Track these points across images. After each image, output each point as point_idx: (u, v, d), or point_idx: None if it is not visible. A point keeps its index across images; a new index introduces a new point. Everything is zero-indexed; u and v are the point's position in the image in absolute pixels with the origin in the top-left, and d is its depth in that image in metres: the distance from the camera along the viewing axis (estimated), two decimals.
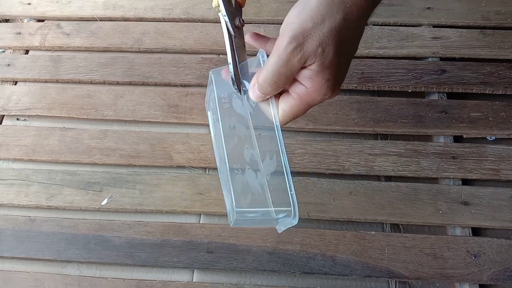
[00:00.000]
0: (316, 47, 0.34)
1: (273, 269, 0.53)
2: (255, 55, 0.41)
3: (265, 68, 0.36)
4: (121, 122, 0.65)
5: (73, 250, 0.55)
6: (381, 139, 0.63)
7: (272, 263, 0.53)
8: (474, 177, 0.59)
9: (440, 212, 0.56)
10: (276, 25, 0.72)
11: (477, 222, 0.55)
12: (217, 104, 0.41)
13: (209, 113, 0.47)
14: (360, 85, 0.65)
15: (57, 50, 0.73)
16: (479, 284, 0.53)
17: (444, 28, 0.71)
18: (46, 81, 0.69)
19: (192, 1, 0.75)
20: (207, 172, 0.60)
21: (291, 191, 0.37)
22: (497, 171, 0.59)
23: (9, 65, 0.70)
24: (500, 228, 0.56)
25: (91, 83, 0.69)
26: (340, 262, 0.53)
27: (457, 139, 0.62)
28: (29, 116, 0.66)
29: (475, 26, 0.71)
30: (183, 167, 0.60)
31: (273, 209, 0.39)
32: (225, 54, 0.40)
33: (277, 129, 0.38)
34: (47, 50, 0.73)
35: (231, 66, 0.39)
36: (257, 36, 0.42)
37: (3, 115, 0.66)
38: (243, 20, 0.39)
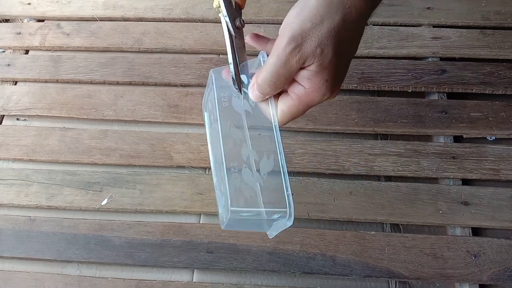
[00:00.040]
0: (315, 48, 0.34)
1: (273, 269, 0.53)
2: (256, 56, 0.41)
3: (264, 69, 0.36)
4: (121, 122, 0.65)
5: (73, 250, 0.55)
6: (381, 139, 0.63)
7: (272, 263, 0.53)
8: (474, 177, 0.59)
9: (440, 212, 0.56)
10: (276, 25, 0.72)
11: (477, 222, 0.55)
12: (216, 103, 0.41)
13: (205, 114, 0.47)
14: (360, 85, 0.65)
15: (57, 50, 0.73)
16: (479, 284, 0.53)
17: (444, 28, 0.71)
18: (46, 81, 0.69)
19: (192, 1, 0.75)
20: (207, 172, 0.60)
21: (287, 191, 0.37)
22: (497, 171, 0.59)
23: (9, 65, 0.70)
24: (500, 228, 0.56)
25: (91, 83, 0.69)
26: (340, 262, 0.53)
27: (457, 139, 0.62)
28: (29, 116, 0.66)
29: (475, 26, 0.71)
30: (183, 167, 0.60)
31: (268, 209, 0.38)
32: (225, 54, 0.40)
33: (275, 129, 0.38)
34: (47, 50, 0.73)
35: (231, 66, 0.39)
36: (257, 37, 0.42)
37: (3, 115, 0.67)
38: (243, 21, 0.40)
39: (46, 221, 0.57)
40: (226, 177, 0.38)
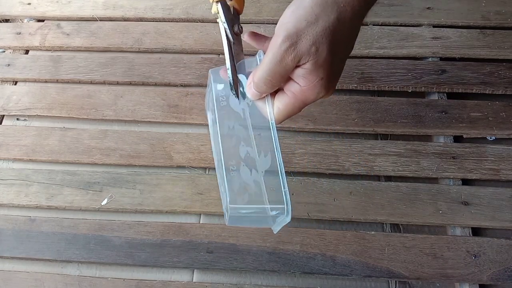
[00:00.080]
0: (310, 46, 0.34)
1: (273, 269, 0.53)
2: (254, 55, 0.41)
3: (260, 67, 0.36)
4: (121, 122, 0.65)
5: (73, 250, 0.55)
6: (381, 139, 0.63)
7: (272, 263, 0.53)
8: (474, 177, 0.59)
9: (440, 212, 0.56)
10: (276, 25, 0.72)
11: (477, 222, 0.55)
12: (214, 103, 0.42)
13: (208, 114, 0.47)
14: (360, 85, 0.65)
15: (57, 50, 0.73)
16: (479, 284, 0.53)
17: (444, 28, 0.71)
18: (46, 81, 0.69)
19: (192, 1, 0.75)
20: (207, 172, 0.60)
21: (284, 188, 0.38)
22: (497, 171, 0.59)
23: (9, 65, 0.70)
24: (500, 228, 0.56)
25: (91, 83, 0.69)
26: (340, 262, 0.53)
27: (457, 139, 0.62)
28: (29, 116, 0.66)
29: (475, 26, 0.71)
30: (183, 167, 0.60)
31: (267, 206, 0.39)
32: (223, 50, 0.40)
33: (272, 127, 0.39)
34: (47, 50, 0.73)
35: (229, 72, 0.40)
36: (255, 35, 0.42)
37: (3, 115, 0.66)
38: (241, 27, 0.40)
39: (46, 221, 0.57)
40: (224, 175, 0.39)
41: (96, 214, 0.58)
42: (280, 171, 0.38)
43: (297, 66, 0.35)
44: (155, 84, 0.68)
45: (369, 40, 0.70)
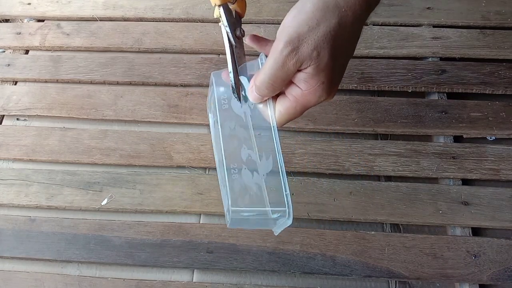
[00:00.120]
0: (311, 51, 0.34)
1: (273, 269, 0.53)
2: (256, 58, 0.41)
3: (262, 71, 0.37)
4: (121, 122, 0.65)
5: (73, 250, 0.55)
6: (381, 139, 0.63)
7: (272, 263, 0.53)
8: (474, 177, 0.59)
9: (440, 212, 0.56)
10: (276, 25, 0.72)
11: (477, 222, 0.55)
12: (216, 105, 0.42)
13: (210, 116, 0.48)
14: (360, 85, 0.65)
15: (57, 50, 0.73)
16: (479, 284, 0.53)
17: (444, 28, 0.71)
18: (46, 81, 0.69)
19: (192, 1, 0.75)
20: (207, 172, 0.60)
21: (286, 191, 0.38)
22: (497, 171, 0.59)
23: (9, 65, 0.70)
24: (500, 228, 0.56)
25: (91, 83, 0.69)
26: (340, 262, 0.53)
27: (457, 139, 0.62)
28: (29, 116, 0.66)
29: (475, 26, 0.71)
30: (183, 167, 0.60)
31: (268, 209, 0.39)
32: (225, 53, 0.40)
33: (273, 130, 0.39)
34: (47, 50, 0.73)
35: (231, 75, 0.40)
36: (257, 38, 0.42)
37: (3, 115, 0.66)
38: (243, 31, 0.40)
39: (46, 221, 0.57)
40: (226, 178, 0.39)
41: (96, 214, 0.58)
42: (282, 174, 0.39)
43: (298, 70, 0.36)
44: (155, 84, 0.68)
45: (369, 40, 0.70)
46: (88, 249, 0.55)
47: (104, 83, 0.69)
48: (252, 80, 0.39)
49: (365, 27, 0.71)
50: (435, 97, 0.65)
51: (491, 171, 0.59)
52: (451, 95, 0.66)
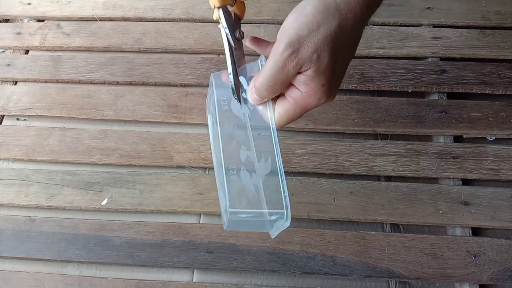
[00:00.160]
0: (311, 54, 0.34)
1: (273, 269, 0.53)
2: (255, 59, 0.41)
3: (262, 73, 0.37)
4: (121, 122, 0.65)
5: (73, 250, 0.55)
6: (381, 139, 0.63)
7: (272, 263, 0.53)
8: (474, 177, 0.59)
9: (440, 212, 0.56)
10: (276, 25, 0.72)
11: (477, 222, 0.55)
12: (216, 106, 0.42)
13: (209, 116, 0.47)
14: (360, 85, 0.65)
15: (57, 50, 0.73)
16: (479, 284, 0.53)
17: (444, 28, 0.71)
18: (46, 81, 0.69)
19: (192, 1, 0.75)
20: (207, 172, 0.60)
21: (284, 193, 0.38)
22: (497, 171, 0.59)
23: (9, 65, 0.70)
24: (500, 228, 0.56)
25: (91, 83, 0.69)
26: (340, 262, 0.53)
27: (457, 139, 0.62)
28: (29, 116, 0.66)
29: (475, 26, 0.71)
30: (183, 167, 0.60)
31: (266, 210, 0.39)
32: (225, 54, 0.41)
33: (272, 131, 0.39)
34: (47, 50, 0.73)
35: (231, 77, 0.40)
36: (257, 40, 0.42)
37: (3, 115, 0.66)
38: (243, 32, 0.41)
39: (46, 221, 0.57)
40: (225, 179, 0.39)
41: (96, 214, 0.58)
42: (281, 176, 0.38)
43: (298, 73, 0.36)
44: (155, 84, 0.68)
45: (369, 40, 0.70)
46: (88, 249, 0.55)
47: (104, 83, 0.69)
48: (252, 82, 0.39)
49: (365, 27, 0.72)
50: (435, 97, 0.65)
51: (491, 171, 0.59)
52: (451, 95, 0.66)
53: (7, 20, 0.77)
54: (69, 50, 0.72)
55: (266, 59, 0.37)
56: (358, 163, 0.59)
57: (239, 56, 0.41)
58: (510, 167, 0.59)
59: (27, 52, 0.73)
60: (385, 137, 0.63)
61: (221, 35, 0.40)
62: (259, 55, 0.42)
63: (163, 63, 0.69)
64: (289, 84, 0.37)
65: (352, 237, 0.55)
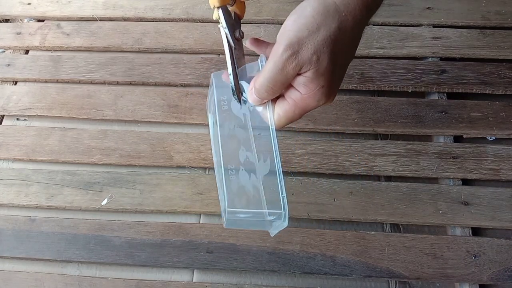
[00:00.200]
0: (311, 55, 0.34)
1: (273, 269, 0.53)
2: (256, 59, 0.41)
3: (261, 74, 0.37)
4: (121, 122, 0.65)
5: (73, 250, 0.55)
6: (381, 139, 0.63)
7: (272, 263, 0.53)
8: (474, 177, 0.59)
9: (440, 212, 0.56)
10: (276, 25, 0.72)
11: (477, 222, 0.55)
12: (216, 107, 0.42)
13: (209, 116, 0.48)
14: (360, 85, 0.65)
15: (57, 50, 0.73)
16: (479, 284, 0.53)
17: (444, 28, 0.71)
18: (46, 81, 0.69)
19: (192, 1, 0.75)
20: (207, 172, 0.60)
21: (282, 193, 0.38)
22: (497, 171, 0.59)
23: (9, 65, 0.70)
24: (500, 228, 0.56)
25: (91, 83, 0.69)
26: (340, 262, 0.53)
27: (457, 139, 0.62)
28: (29, 116, 0.66)
29: (475, 26, 0.71)
30: (183, 167, 0.60)
31: (264, 210, 0.39)
32: (225, 54, 0.41)
33: (272, 132, 0.39)
34: (47, 50, 0.73)
35: (231, 77, 0.40)
36: (257, 41, 0.42)
37: (3, 115, 0.67)
38: (242, 32, 0.41)
39: (46, 221, 0.57)
40: (224, 179, 0.39)
41: (96, 214, 0.58)
42: (279, 177, 0.39)
43: (298, 74, 0.36)
44: (155, 84, 0.68)
45: (369, 40, 0.70)
46: (88, 249, 0.55)
47: (104, 83, 0.69)
48: (251, 83, 0.39)
49: (365, 28, 0.72)
50: (435, 97, 0.65)
51: (491, 171, 0.59)
52: (451, 95, 0.66)
53: (7, 20, 0.77)
54: (69, 50, 0.72)
55: (267, 59, 0.37)
56: (358, 163, 0.59)
57: (239, 56, 0.41)
58: (510, 167, 0.59)
59: (27, 52, 0.73)
60: (385, 137, 0.63)
61: (221, 35, 0.40)
62: (259, 55, 0.42)
63: (163, 63, 0.69)
64: (289, 86, 0.37)
65: (352, 237, 0.55)
